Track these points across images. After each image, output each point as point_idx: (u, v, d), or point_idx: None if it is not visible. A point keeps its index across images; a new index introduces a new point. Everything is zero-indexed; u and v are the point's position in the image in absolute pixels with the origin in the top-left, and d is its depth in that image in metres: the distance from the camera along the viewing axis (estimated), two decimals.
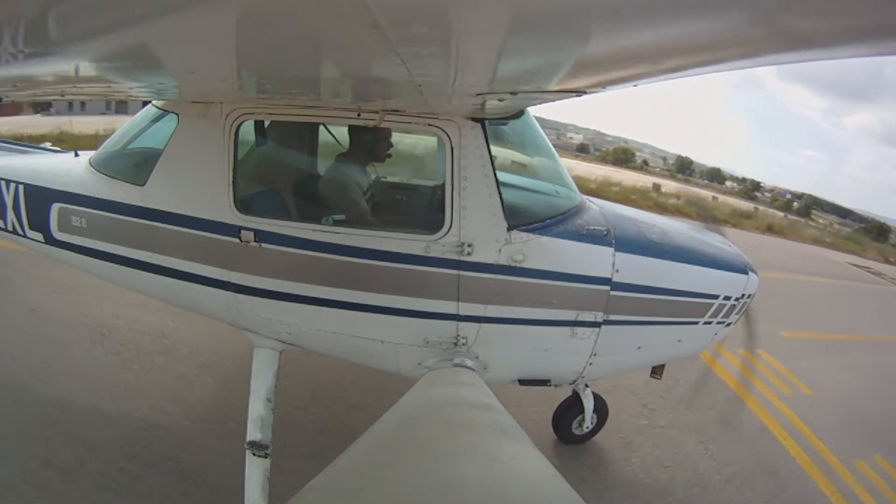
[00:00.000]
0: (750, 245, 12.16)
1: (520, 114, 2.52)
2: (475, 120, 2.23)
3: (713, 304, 2.68)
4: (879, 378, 6.08)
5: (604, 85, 1.45)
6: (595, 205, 2.77)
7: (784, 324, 6.87)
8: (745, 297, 2.79)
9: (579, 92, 1.51)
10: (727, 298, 2.71)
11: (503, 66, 1.25)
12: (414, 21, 0.86)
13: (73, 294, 4.58)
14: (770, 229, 18.99)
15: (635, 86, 1.44)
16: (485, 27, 0.91)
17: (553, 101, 1.79)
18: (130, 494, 2.70)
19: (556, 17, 0.85)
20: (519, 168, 2.99)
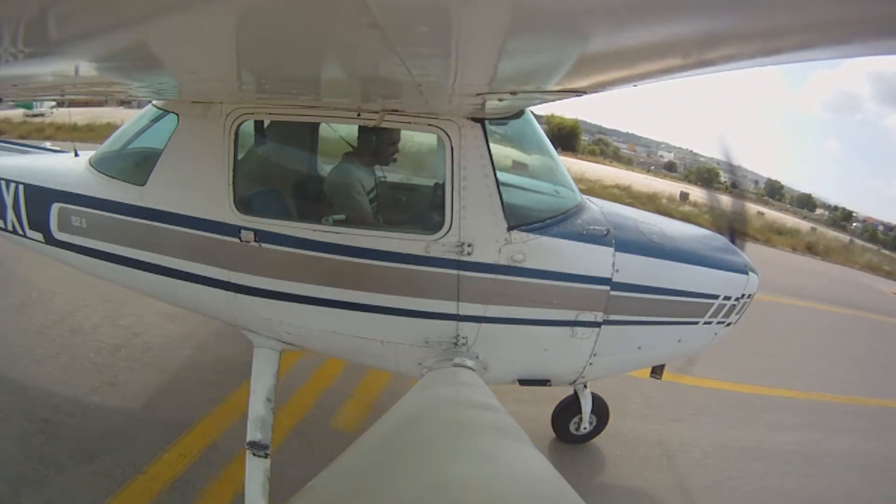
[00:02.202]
0: (767, 263, 11.18)
1: (520, 114, 2.52)
2: (475, 120, 2.23)
3: (713, 304, 2.68)
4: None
5: (604, 85, 1.45)
6: (595, 205, 2.77)
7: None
8: (746, 297, 2.80)
9: (579, 92, 1.51)
10: (727, 298, 2.71)
11: (503, 66, 1.25)
12: (414, 21, 0.86)
13: None
14: (810, 249, 16.84)
15: (635, 86, 1.44)
16: (485, 27, 0.91)
17: (553, 100, 1.79)
18: None
19: (555, 18, 0.85)
20: (519, 168, 2.99)
